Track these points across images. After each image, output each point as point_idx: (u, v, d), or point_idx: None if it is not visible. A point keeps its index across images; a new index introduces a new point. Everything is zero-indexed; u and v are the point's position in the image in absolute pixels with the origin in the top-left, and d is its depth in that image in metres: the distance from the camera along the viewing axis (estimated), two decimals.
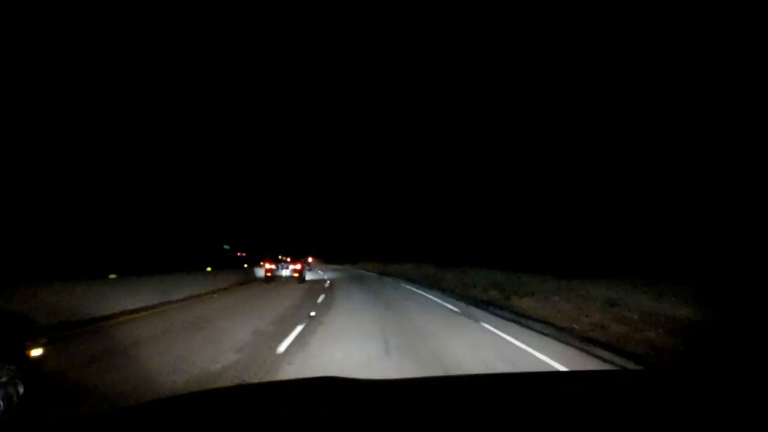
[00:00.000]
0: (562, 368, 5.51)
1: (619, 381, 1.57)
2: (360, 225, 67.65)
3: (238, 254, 42.06)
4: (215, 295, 14.57)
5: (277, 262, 23.08)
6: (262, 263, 24.74)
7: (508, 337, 7.63)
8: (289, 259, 24.09)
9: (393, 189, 55.01)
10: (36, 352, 3.75)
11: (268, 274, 22.27)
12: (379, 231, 58.47)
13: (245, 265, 33.81)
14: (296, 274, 22.68)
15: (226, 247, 36.31)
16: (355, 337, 7.26)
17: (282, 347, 6.41)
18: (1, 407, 3.27)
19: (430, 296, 15.98)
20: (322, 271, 38.28)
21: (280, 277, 22.66)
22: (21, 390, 3.49)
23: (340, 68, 75.75)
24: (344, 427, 0.95)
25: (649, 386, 1.35)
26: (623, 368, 5.60)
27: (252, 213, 47.93)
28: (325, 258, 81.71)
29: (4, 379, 3.34)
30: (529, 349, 6.61)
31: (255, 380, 4.69)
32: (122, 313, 9.62)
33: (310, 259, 26.53)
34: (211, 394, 1.52)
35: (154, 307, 11.02)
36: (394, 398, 1.20)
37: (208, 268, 20.40)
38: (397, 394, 1.26)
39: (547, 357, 6.12)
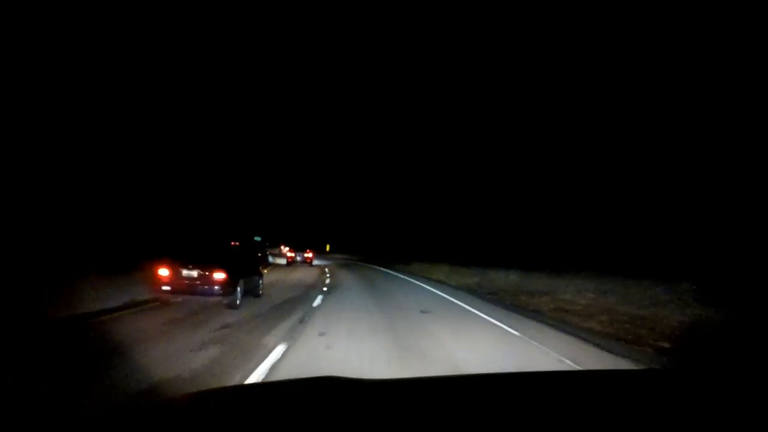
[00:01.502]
0: None
1: (628, 381, 1.54)
2: (357, 218, 70.58)
3: (232, 243, 44.79)
4: (272, 269, 24.62)
5: (295, 251, 31.55)
6: (282, 252, 32.99)
7: None
8: (287, 249, 32.50)
9: (388, 183, 57.30)
10: (263, 274, 12.04)
11: (290, 260, 30.61)
12: (380, 225, 58.65)
13: None
14: (308, 261, 31.15)
15: (257, 238, 41.36)
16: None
17: (327, 279, 16.90)
18: (261, 289, 11.47)
19: None
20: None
21: (296, 261, 31.01)
22: (262, 283, 11.74)
23: (337, 66, 75.38)
24: (344, 427, 0.97)
25: (659, 387, 1.36)
26: (633, 369, 5.48)
27: (252, 205, 52.99)
28: (318, 248, 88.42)
29: (262, 281, 11.59)
30: None
31: (321, 290, 13.53)
32: None
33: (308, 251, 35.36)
34: (211, 394, 1.57)
35: None
36: (395, 398, 1.21)
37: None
38: (397, 394, 1.27)
39: None
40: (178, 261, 8.98)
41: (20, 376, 4.15)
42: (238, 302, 9.21)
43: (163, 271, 8.88)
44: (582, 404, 1.13)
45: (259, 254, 36.25)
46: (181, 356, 5.16)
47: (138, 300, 8.97)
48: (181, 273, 8.85)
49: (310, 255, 32.84)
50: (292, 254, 31.82)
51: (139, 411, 1.14)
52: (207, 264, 8.88)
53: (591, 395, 1.23)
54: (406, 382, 1.51)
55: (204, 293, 8.77)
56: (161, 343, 5.74)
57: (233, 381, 4.36)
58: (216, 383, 4.15)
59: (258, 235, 37.60)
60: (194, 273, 8.83)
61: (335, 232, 65.82)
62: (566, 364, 5.62)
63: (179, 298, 9.09)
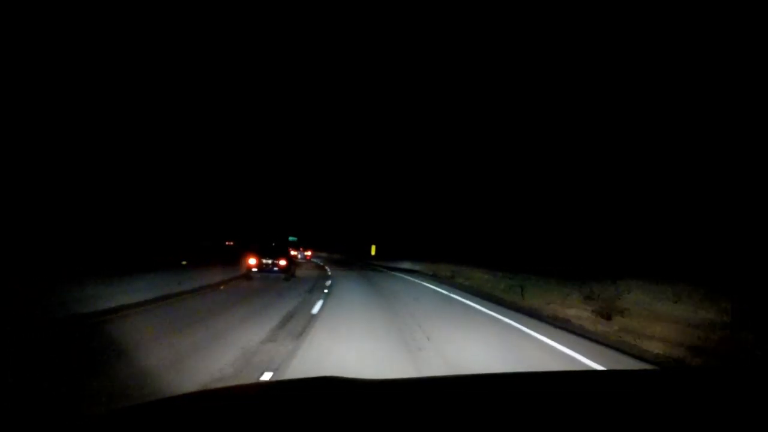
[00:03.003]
0: None
1: (628, 382, 1.56)
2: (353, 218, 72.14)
3: (227, 243, 42.52)
4: None
5: (297, 250, 39.61)
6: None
7: None
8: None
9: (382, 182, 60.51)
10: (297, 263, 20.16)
11: (294, 258, 38.52)
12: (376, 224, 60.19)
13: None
14: (308, 258, 39.34)
15: (292, 239, 41.13)
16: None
17: (329, 270, 25.22)
18: (293, 271, 19.49)
19: None
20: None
21: (299, 259, 39.05)
22: (294, 267, 19.84)
23: (329, 67, 79.56)
24: (344, 427, 0.99)
25: (659, 387, 1.38)
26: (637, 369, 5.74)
27: (245, 206, 55.44)
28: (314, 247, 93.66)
29: (292, 267, 19.65)
30: None
31: (319, 285, 21.62)
32: None
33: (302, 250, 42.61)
34: (210, 393, 1.57)
35: None
36: (394, 398, 1.22)
37: None
38: (397, 394, 1.28)
39: None
40: (259, 254, 16.96)
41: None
42: (290, 279, 17.26)
43: (252, 260, 16.87)
44: (583, 404, 1.15)
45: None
46: (285, 293, 13.29)
47: (237, 275, 16.99)
48: (262, 261, 16.85)
49: (308, 253, 41.36)
50: (295, 252, 39.78)
51: (139, 411, 1.16)
52: (276, 256, 16.91)
53: (592, 395, 1.25)
54: (405, 383, 1.51)
55: (273, 272, 16.80)
56: (279, 287, 13.87)
57: (309, 292, 12.43)
58: (308, 298, 12.22)
59: (294, 236, 44.53)
60: (269, 261, 16.86)
61: (384, 237, 64.06)
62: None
63: (258, 275, 17.02)
